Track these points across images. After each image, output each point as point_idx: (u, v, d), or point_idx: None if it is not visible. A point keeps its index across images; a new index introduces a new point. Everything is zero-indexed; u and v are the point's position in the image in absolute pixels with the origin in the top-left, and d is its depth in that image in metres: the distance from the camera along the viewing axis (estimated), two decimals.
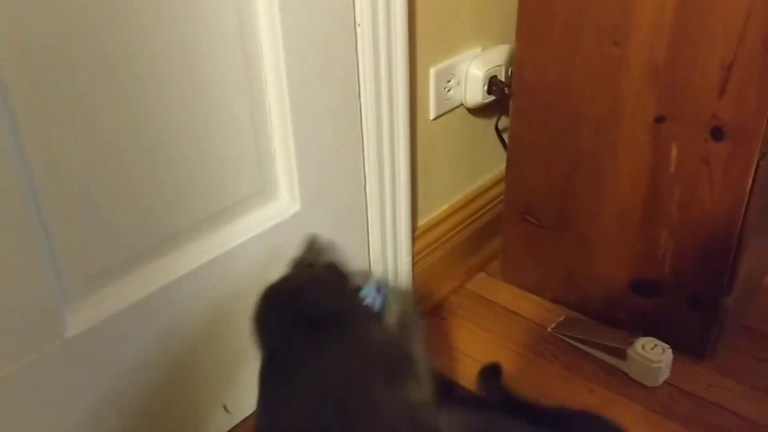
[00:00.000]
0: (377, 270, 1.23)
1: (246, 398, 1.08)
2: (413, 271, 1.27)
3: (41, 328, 0.79)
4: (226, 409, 1.05)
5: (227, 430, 1.07)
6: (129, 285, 0.87)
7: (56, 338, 0.81)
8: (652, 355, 1.14)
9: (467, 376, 1.18)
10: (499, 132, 1.38)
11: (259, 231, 1.00)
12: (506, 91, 1.28)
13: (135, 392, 0.93)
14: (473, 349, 1.25)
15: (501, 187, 1.35)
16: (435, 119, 1.24)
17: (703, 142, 1.05)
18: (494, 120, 1.37)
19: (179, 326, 0.95)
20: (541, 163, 1.24)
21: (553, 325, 1.28)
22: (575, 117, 1.16)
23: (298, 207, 1.03)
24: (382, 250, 1.22)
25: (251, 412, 1.09)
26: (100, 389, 0.88)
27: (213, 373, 1.02)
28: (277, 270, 1.05)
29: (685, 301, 1.16)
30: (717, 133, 1.04)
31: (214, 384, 1.03)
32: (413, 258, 1.26)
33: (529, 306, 1.34)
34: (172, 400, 0.98)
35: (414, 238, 1.26)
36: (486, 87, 1.27)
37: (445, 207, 1.34)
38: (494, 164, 1.41)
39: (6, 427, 0.80)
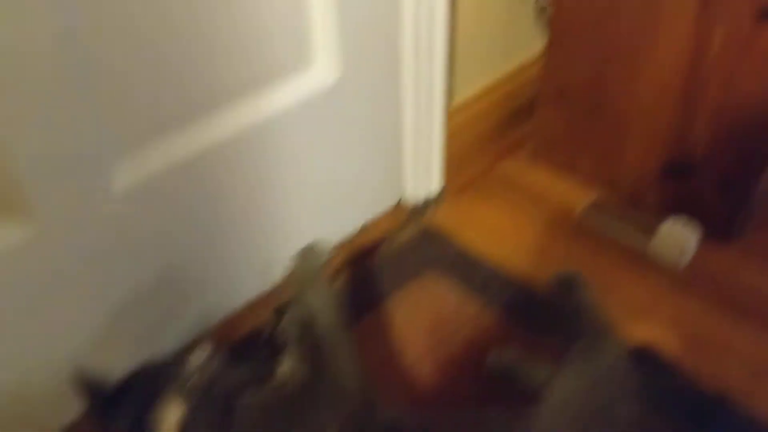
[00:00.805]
0: (409, 147, 1.24)
1: (286, 259, 1.12)
2: (445, 149, 1.28)
3: (90, 180, 0.82)
4: (267, 268, 1.10)
5: (263, 292, 1.12)
6: (174, 144, 0.90)
7: (103, 191, 0.84)
8: (680, 235, 1.16)
9: (494, 254, 1.21)
10: (540, 10, 1.35)
11: (296, 100, 1.01)
12: None
13: (180, 247, 0.97)
14: (504, 228, 1.27)
15: (538, 68, 1.33)
16: None
17: (748, 23, 1.02)
18: None
19: (223, 186, 0.98)
20: (582, 42, 1.22)
21: (581, 207, 1.29)
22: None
23: (335, 77, 1.03)
24: (415, 127, 1.22)
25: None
26: (144, 246, 0.92)
27: (255, 233, 1.06)
28: (315, 140, 1.07)
29: (715, 183, 1.17)
30: (764, 14, 1.01)
31: (255, 243, 1.07)
32: (446, 136, 1.27)
33: (559, 188, 1.35)
34: (215, 264, 1.03)
35: (448, 116, 1.26)
36: None
37: (480, 86, 1.33)
38: (533, 44, 1.39)
39: (56, 279, 0.84)
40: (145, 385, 0.76)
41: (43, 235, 0.80)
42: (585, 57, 1.23)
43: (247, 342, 1.05)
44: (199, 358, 0.79)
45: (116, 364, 0.80)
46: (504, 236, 1.25)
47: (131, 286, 0.93)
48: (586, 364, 0.84)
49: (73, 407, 0.91)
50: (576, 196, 1.33)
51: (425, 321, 1.10)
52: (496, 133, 1.39)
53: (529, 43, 1.38)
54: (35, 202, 0.78)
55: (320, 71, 1.03)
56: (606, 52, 1.19)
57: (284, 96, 1.00)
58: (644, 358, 1.01)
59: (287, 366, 0.81)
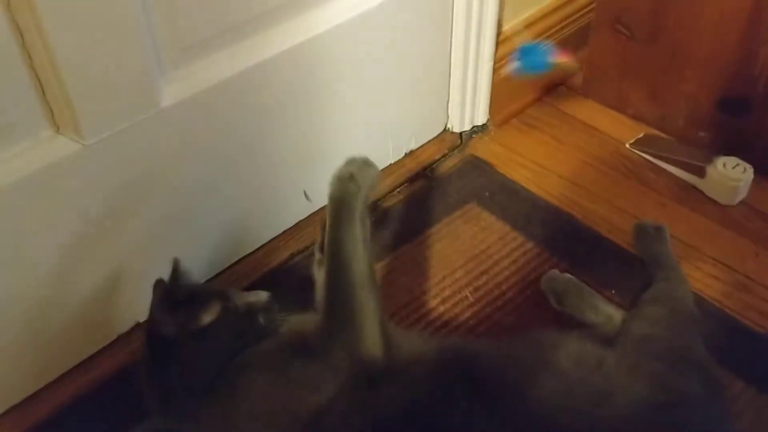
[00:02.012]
0: (457, 73, 1.21)
1: (322, 185, 1.12)
2: (493, 78, 1.25)
3: (138, 95, 0.81)
4: (306, 196, 1.10)
5: (306, 216, 1.12)
6: (221, 61, 0.89)
7: (152, 107, 0.83)
8: (732, 173, 1.12)
9: (539, 187, 1.19)
10: None
11: (344, 19, 0.98)
12: None
13: (222, 169, 0.97)
14: (549, 161, 1.24)
15: None
16: None
17: None
18: None
19: (268, 107, 0.97)
20: None
21: (631, 141, 1.26)
22: None
23: None
24: (464, 53, 1.19)
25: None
26: (190, 163, 0.92)
27: (296, 159, 1.05)
28: (363, 60, 1.04)
29: None
30: None
31: (296, 170, 1.06)
32: (495, 64, 1.23)
33: (609, 121, 1.31)
34: (259, 184, 1.03)
35: (498, 43, 1.22)
36: None
37: (531, 12, 1.28)
38: None
39: (107, 189, 0.85)
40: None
41: (90, 151, 0.80)
42: None
43: (286, 268, 1.06)
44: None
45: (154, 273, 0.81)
46: (550, 169, 1.23)
47: (175, 203, 0.94)
48: (663, 309, 0.89)
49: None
50: (626, 129, 1.29)
51: (467, 251, 1.09)
52: None
53: None
54: (82, 118, 0.78)
55: None
56: None
57: (334, 14, 0.98)
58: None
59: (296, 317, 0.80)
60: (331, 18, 0.97)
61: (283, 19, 0.92)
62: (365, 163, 0.82)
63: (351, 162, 0.82)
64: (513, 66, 1.11)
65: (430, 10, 1.09)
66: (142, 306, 0.79)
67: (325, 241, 0.79)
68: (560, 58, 1.21)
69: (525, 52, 1.09)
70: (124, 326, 0.96)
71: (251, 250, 1.07)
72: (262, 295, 0.81)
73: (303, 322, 0.79)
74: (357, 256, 0.77)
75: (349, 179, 0.80)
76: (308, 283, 0.91)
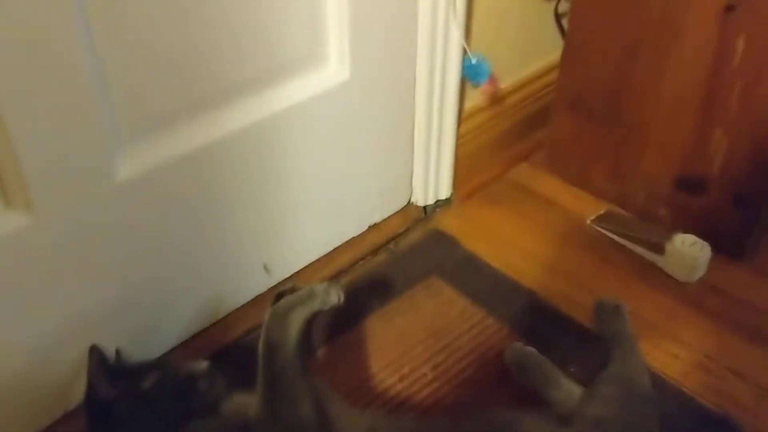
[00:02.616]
0: (420, 149, 1.23)
1: (286, 260, 1.12)
2: (456, 153, 1.27)
3: (94, 169, 0.81)
4: (266, 269, 1.09)
5: (265, 290, 1.10)
6: (179, 137, 0.89)
7: (107, 180, 0.83)
8: (690, 251, 1.14)
9: (501, 262, 1.19)
10: (558, 17, 1.34)
11: (307, 96, 1.00)
12: None
13: (179, 242, 0.96)
14: (512, 236, 1.25)
15: (553, 76, 1.32)
16: None
17: None
18: (553, 4, 1.32)
19: (227, 182, 0.97)
20: (599, 49, 1.20)
21: (592, 217, 1.27)
22: (641, 1, 1.12)
23: (347, 75, 1.02)
24: (427, 131, 1.21)
25: (291, 272, 1.13)
26: (145, 236, 0.91)
27: (256, 233, 1.05)
28: (326, 137, 1.06)
29: (730, 200, 1.15)
30: None
31: (256, 243, 1.06)
32: (458, 140, 1.26)
33: (570, 198, 1.33)
34: (215, 255, 1.02)
35: (460, 120, 1.25)
36: None
37: None
38: (548, 52, 1.37)
39: (56, 264, 0.84)
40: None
41: (42, 225, 0.79)
42: (603, 61, 1.21)
43: (241, 344, 1.04)
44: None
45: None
46: (512, 244, 1.23)
47: (132, 276, 0.92)
48: (617, 389, 0.89)
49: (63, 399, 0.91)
50: (587, 206, 1.30)
51: (428, 326, 1.08)
52: (508, 139, 1.37)
53: (546, 50, 1.36)
54: (35, 192, 0.77)
55: (333, 68, 1.02)
56: (625, 56, 1.17)
57: (295, 92, 0.99)
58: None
59: (241, 397, 0.81)
60: (292, 95, 0.98)
61: (243, 95, 0.93)
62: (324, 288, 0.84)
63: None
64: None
65: (393, 88, 1.12)
66: None
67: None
68: (487, 87, 1.25)
69: (470, 66, 1.17)
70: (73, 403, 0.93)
71: (208, 324, 1.06)
72: (202, 364, 0.82)
73: (247, 402, 0.78)
74: (289, 343, 0.80)
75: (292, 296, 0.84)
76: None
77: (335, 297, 0.83)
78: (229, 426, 0.76)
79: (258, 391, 0.79)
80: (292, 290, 0.86)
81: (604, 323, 1.03)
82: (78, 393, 0.91)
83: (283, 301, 0.83)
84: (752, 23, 1.01)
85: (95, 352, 0.80)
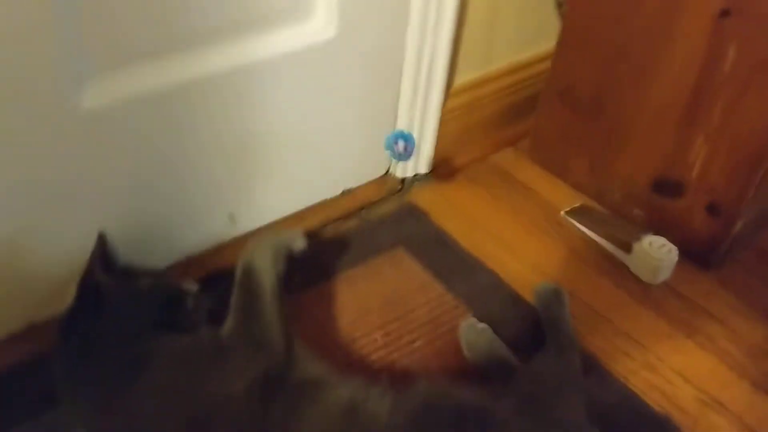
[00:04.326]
0: (403, 120, 1.22)
1: (252, 211, 1.12)
2: (439, 129, 1.26)
3: (57, 93, 0.81)
4: (231, 219, 1.09)
5: (229, 239, 1.11)
6: (151, 72, 0.88)
7: (72, 107, 0.83)
8: (656, 252, 1.13)
9: (469, 242, 1.19)
10: (558, 5, 1.33)
11: (288, 50, 0.99)
12: None
13: (146, 180, 0.96)
14: (483, 217, 1.25)
15: (545, 65, 1.31)
16: None
17: (763, 46, 0.99)
18: None
19: (199, 125, 0.96)
20: (592, 43, 1.19)
21: (567, 209, 1.27)
22: (631, 2, 1.11)
23: (332, 33, 1.02)
24: (412, 102, 1.20)
25: (256, 226, 1.13)
26: (109, 170, 0.91)
27: (225, 180, 1.05)
28: (306, 94, 1.05)
29: (704, 207, 1.14)
30: None
31: (224, 190, 1.06)
32: (442, 116, 1.25)
33: (548, 187, 1.33)
34: (182, 197, 1.02)
35: (447, 95, 1.24)
36: None
37: (485, 71, 1.31)
38: (544, 40, 1.36)
39: (22, 192, 0.83)
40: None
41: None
42: (594, 57, 1.20)
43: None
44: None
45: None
46: (483, 225, 1.23)
47: (93, 208, 0.92)
48: (545, 372, 0.91)
49: None
50: (564, 197, 1.30)
51: (386, 295, 1.08)
52: (494, 123, 1.37)
53: (542, 38, 1.35)
54: None
55: (319, 24, 1.01)
56: (616, 54, 1.17)
57: (278, 43, 0.98)
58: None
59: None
60: (274, 45, 0.98)
61: (223, 39, 0.92)
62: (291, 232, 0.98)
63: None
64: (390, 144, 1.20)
65: (380, 52, 1.11)
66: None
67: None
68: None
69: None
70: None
71: (168, 264, 1.05)
72: (194, 284, 0.87)
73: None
74: (266, 269, 0.88)
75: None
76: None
77: (300, 241, 0.95)
78: (202, 346, 0.80)
79: (231, 311, 0.85)
80: None
81: (543, 306, 1.04)
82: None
83: (261, 236, 0.94)
84: (745, 30, 1.01)
85: (102, 239, 0.82)
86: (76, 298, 0.80)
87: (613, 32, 1.16)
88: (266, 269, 0.88)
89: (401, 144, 1.13)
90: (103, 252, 0.82)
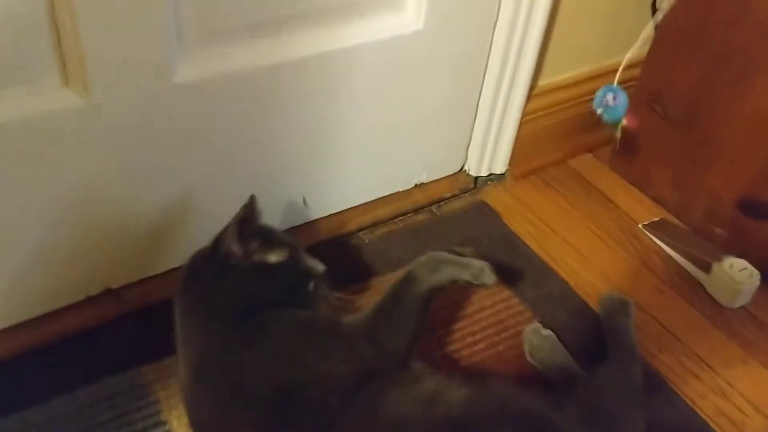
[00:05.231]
0: (483, 119, 1.20)
1: (326, 198, 1.12)
2: (519, 130, 1.24)
3: (152, 65, 0.83)
4: (305, 203, 1.10)
5: (300, 223, 1.12)
6: (243, 52, 0.90)
7: (164, 80, 0.85)
8: (737, 276, 1.09)
9: (539, 243, 1.18)
10: (654, 10, 1.28)
11: (376, 39, 0.99)
12: None
13: (225, 159, 0.98)
14: (557, 222, 1.23)
15: (633, 72, 1.26)
16: None
17: None
18: None
19: (283, 107, 0.97)
20: (688, 51, 1.15)
21: (645, 223, 1.23)
22: (741, 9, 1.06)
23: (420, 25, 1.01)
24: (493, 101, 1.19)
25: (329, 213, 1.13)
26: (193, 146, 0.93)
27: (302, 164, 1.06)
28: (389, 84, 1.05)
29: None
30: None
31: (300, 173, 1.07)
32: (523, 117, 1.23)
33: (627, 198, 1.29)
34: (258, 181, 1.02)
35: (529, 96, 1.22)
36: None
37: (571, 74, 1.28)
38: (633, 46, 1.31)
39: (106, 150, 0.86)
40: None
41: (96, 109, 0.82)
42: (692, 63, 1.15)
43: None
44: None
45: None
46: (556, 231, 1.21)
47: (172, 182, 0.95)
48: (608, 385, 0.89)
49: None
50: (643, 210, 1.26)
51: (452, 293, 1.07)
52: (575, 127, 1.33)
53: (631, 43, 1.29)
54: (92, 76, 0.79)
55: (409, 16, 1.01)
56: (717, 61, 1.12)
57: (366, 32, 0.98)
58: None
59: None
60: (363, 34, 0.98)
61: (313, 25, 0.93)
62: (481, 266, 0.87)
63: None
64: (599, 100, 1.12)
65: (466, 48, 1.10)
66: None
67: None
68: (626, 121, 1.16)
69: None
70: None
71: None
72: (321, 266, 0.87)
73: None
74: (425, 285, 0.84)
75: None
76: None
77: (489, 278, 0.85)
78: (319, 323, 0.81)
79: (372, 307, 0.83)
80: (454, 253, 0.90)
81: (608, 317, 1.02)
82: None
83: (444, 252, 0.88)
84: None
85: (251, 203, 0.83)
86: (209, 253, 0.83)
87: (713, 39, 1.11)
88: (427, 282, 0.84)
89: (610, 96, 1.10)
90: (245, 216, 0.82)
